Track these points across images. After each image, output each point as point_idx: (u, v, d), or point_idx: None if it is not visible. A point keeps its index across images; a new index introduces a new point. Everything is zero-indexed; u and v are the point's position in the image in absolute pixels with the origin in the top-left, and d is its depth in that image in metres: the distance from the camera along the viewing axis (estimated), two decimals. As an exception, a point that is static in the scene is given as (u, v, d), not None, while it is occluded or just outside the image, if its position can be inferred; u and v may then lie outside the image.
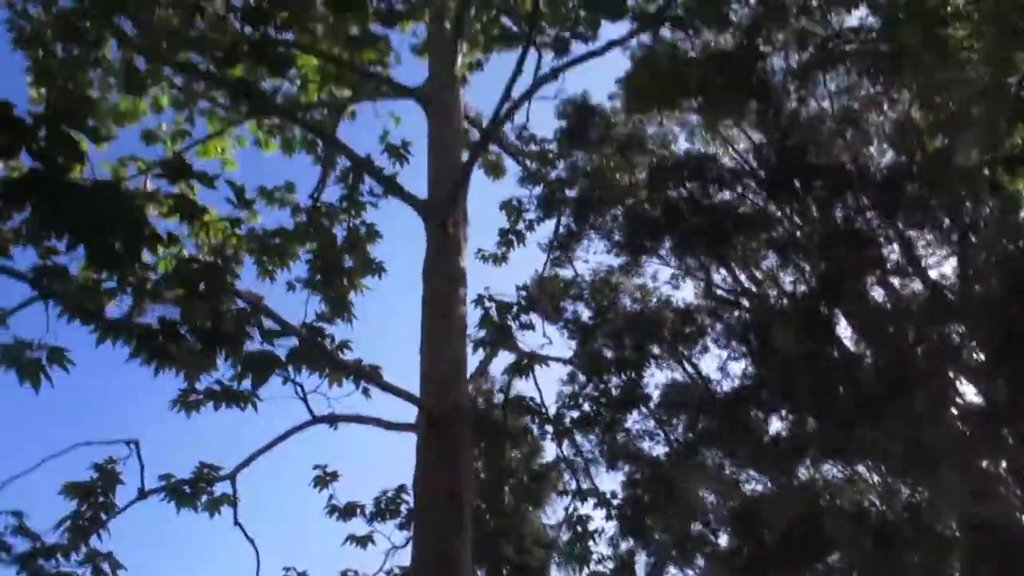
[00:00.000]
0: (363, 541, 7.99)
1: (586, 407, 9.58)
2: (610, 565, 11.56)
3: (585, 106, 14.22)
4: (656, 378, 18.33)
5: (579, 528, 9.30)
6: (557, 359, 9.09)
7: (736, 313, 14.90)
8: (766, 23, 12.49)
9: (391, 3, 9.22)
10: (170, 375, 4.95)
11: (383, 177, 7.53)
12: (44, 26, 7.50)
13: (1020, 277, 11.21)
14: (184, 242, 5.15)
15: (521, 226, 9.98)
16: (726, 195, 13.96)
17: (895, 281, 13.86)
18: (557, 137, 12.63)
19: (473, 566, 5.80)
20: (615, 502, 9.50)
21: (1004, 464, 12.09)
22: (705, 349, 14.81)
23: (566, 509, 9.79)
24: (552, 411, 8.94)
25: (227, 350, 4.74)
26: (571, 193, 13.62)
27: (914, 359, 12.37)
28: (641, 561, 14.62)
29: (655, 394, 14.33)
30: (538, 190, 10.78)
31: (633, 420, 14.27)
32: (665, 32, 12.30)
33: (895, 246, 13.77)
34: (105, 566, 5.85)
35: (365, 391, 6.56)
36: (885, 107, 13.89)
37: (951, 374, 12.61)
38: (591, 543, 9.26)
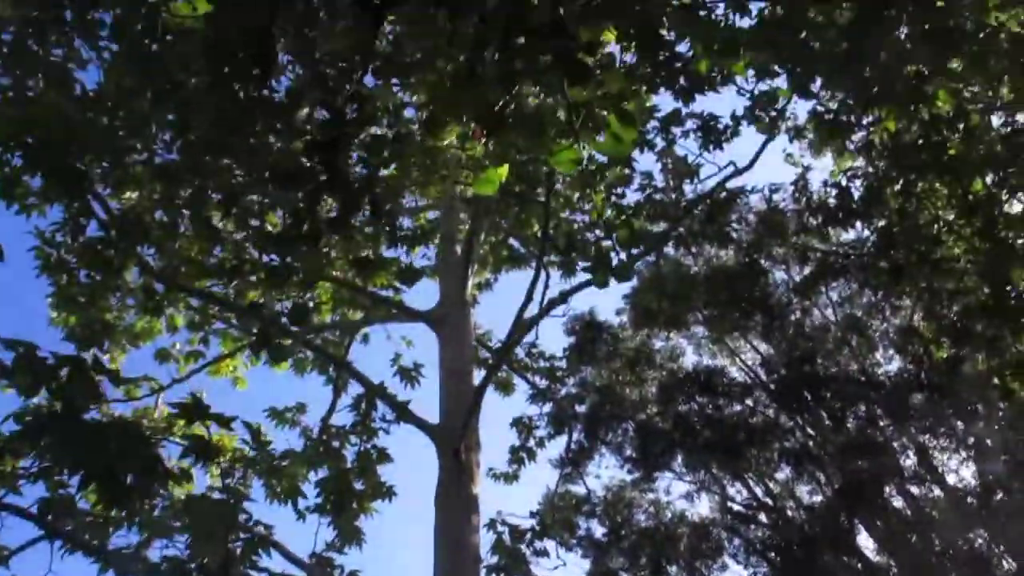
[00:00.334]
0: None
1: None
2: None
3: (593, 323, 14.39)
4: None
5: None
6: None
7: (753, 527, 14.48)
8: (766, 241, 12.94)
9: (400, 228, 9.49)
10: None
11: (396, 403, 7.50)
12: (70, 253, 7.79)
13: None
14: (195, 474, 5.05)
15: (532, 443, 9.92)
16: (736, 407, 13.93)
17: (914, 489, 13.58)
18: (566, 354, 12.81)
19: None
20: None
21: None
22: (724, 567, 14.27)
23: None
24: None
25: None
26: (581, 409, 13.62)
27: (942, 571, 11.89)
28: None
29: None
30: (548, 407, 10.77)
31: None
32: (669, 250, 12.77)
33: (910, 453, 13.60)
34: None
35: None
36: (888, 313, 14.11)
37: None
38: None
